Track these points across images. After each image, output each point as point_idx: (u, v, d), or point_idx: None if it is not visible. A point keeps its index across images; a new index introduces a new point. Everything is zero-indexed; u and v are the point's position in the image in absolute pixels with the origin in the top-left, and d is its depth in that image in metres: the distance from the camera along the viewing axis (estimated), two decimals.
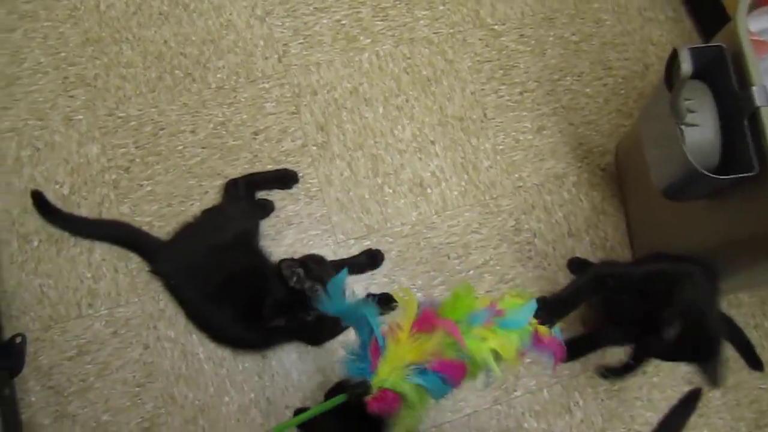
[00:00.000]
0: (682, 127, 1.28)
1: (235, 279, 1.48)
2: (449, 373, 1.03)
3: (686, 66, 1.17)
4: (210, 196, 1.65)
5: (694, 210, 1.41)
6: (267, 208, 1.65)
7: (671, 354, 1.35)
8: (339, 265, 1.58)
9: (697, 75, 1.25)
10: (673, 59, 1.23)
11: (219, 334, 1.56)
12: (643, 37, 1.90)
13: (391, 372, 1.01)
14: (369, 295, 1.60)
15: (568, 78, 1.85)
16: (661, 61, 1.31)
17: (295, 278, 1.35)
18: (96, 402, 1.52)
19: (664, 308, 1.28)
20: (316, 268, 1.41)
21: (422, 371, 1.01)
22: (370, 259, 1.64)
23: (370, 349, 1.03)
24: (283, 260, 1.38)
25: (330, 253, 1.63)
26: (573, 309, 1.46)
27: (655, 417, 1.59)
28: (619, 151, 1.77)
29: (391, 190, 1.71)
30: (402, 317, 1.04)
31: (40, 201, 1.60)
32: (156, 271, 1.57)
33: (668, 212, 1.52)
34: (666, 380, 1.63)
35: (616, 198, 1.76)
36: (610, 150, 1.79)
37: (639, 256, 1.70)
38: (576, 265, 1.68)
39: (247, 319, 1.48)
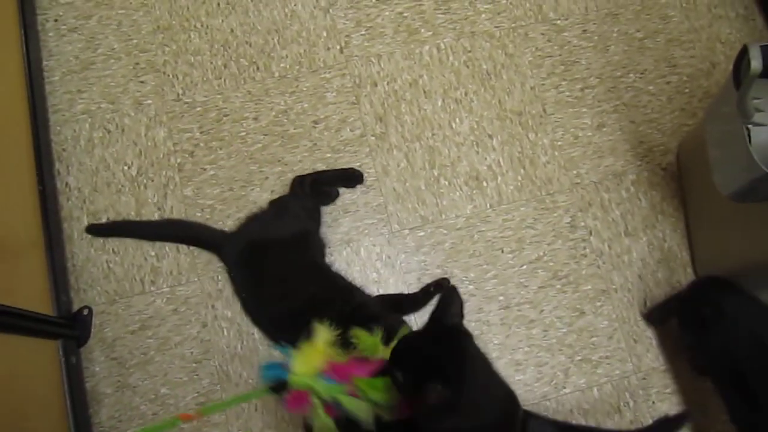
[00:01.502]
0: (749, 126, 1.25)
1: (290, 281, 1.51)
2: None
3: (756, 63, 1.15)
4: (270, 181, 1.70)
5: (759, 212, 1.37)
6: (332, 195, 1.68)
7: None
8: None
9: (766, 74, 1.22)
10: (743, 56, 1.21)
11: (270, 332, 1.59)
12: (711, 34, 1.86)
13: (305, 371, 1.09)
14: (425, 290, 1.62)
15: (630, 75, 1.82)
16: (729, 60, 1.29)
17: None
18: (155, 375, 1.58)
19: None
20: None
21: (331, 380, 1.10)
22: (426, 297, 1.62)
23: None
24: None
25: (384, 242, 1.66)
26: None
27: (707, 422, 1.57)
28: (682, 150, 1.73)
29: (447, 182, 1.72)
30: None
31: (95, 229, 1.67)
32: (223, 261, 1.62)
33: (731, 214, 1.48)
34: None
35: (676, 198, 1.72)
36: (671, 149, 1.76)
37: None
38: (657, 316, 1.62)
39: (297, 325, 1.52)
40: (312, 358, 1.11)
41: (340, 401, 1.09)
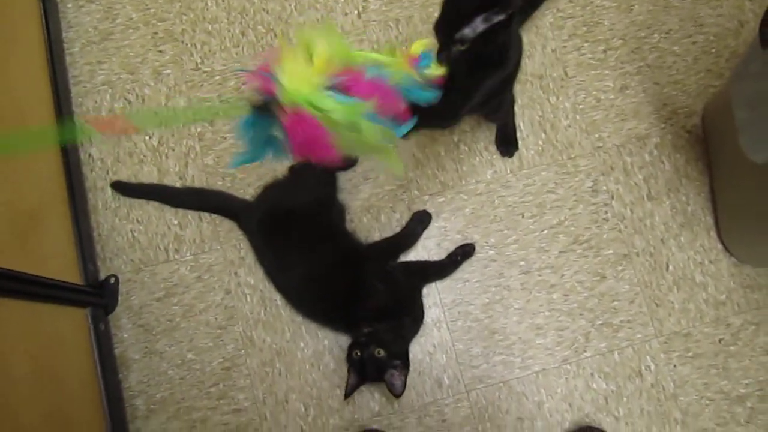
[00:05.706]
0: None
1: (310, 247, 1.53)
2: (376, 96, 0.93)
3: None
4: None
5: None
6: (351, 161, 1.68)
7: None
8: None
9: None
10: None
11: (292, 298, 1.62)
12: None
13: (299, 88, 0.87)
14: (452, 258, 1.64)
15: (655, 35, 1.78)
16: (758, 18, 1.24)
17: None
18: (181, 341, 1.62)
19: None
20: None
21: (337, 92, 0.90)
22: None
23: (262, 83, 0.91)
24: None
25: (404, 209, 1.66)
26: None
27: (729, 385, 1.57)
28: (707, 112, 1.70)
29: (466, 148, 1.70)
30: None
31: (121, 187, 1.69)
32: (243, 229, 1.65)
33: (757, 177, 1.46)
34: (744, 349, 1.59)
35: (700, 161, 1.69)
36: (696, 111, 1.72)
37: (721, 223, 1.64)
38: None
39: (318, 291, 1.54)
40: (308, 70, 0.90)
41: (358, 127, 0.90)
